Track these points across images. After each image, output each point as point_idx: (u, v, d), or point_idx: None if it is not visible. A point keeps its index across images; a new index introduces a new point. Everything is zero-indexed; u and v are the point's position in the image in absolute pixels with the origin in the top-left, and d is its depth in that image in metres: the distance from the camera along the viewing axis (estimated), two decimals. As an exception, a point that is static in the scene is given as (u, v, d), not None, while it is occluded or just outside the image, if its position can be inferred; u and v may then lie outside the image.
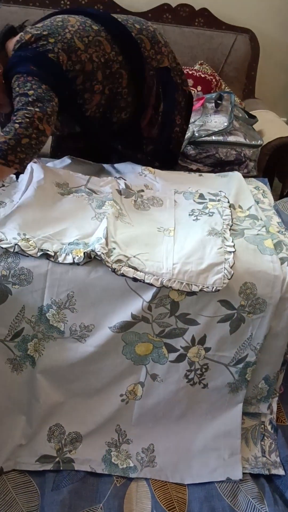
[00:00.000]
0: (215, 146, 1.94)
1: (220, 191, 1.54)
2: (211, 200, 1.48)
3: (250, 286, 1.22)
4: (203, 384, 1.30)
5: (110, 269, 1.15)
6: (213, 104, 2.06)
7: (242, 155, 1.95)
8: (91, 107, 1.51)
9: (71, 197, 1.41)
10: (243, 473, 1.28)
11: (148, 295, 1.19)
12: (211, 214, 1.40)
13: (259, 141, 2.01)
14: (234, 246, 1.27)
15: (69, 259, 1.17)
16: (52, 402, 1.27)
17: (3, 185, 1.43)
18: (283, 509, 1.21)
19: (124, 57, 1.50)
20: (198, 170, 1.89)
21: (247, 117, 2.13)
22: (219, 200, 1.48)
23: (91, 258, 1.17)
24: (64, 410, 1.28)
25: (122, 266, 1.16)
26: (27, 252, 1.17)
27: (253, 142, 1.99)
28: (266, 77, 2.91)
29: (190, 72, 2.52)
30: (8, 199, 1.37)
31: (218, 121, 1.99)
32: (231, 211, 1.42)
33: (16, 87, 1.35)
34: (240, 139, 1.97)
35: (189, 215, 1.42)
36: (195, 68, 2.59)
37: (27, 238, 1.20)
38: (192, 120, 1.98)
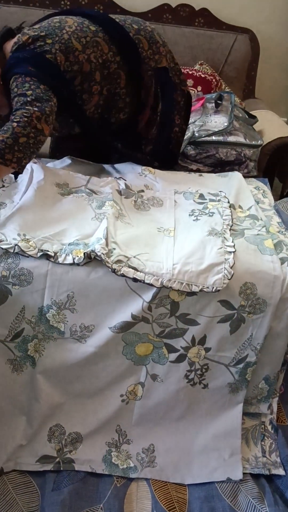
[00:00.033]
0: (215, 146, 1.94)
1: (220, 191, 1.54)
2: (211, 200, 1.48)
3: (250, 286, 1.22)
4: (203, 384, 1.30)
5: (110, 269, 1.15)
6: (213, 104, 2.06)
7: (242, 155, 1.95)
8: (89, 108, 1.51)
9: (71, 198, 1.41)
10: (244, 473, 1.28)
11: (148, 296, 1.19)
12: (211, 214, 1.40)
13: (259, 141, 2.01)
14: (234, 246, 1.27)
15: (69, 260, 1.17)
16: (53, 402, 1.27)
17: (3, 186, 1.43)
18: (283, 509, 1.21)
19: (122, 58, 1.50)
20: (198, 170, 1.89)
21: (247, 117, 2.13)
22: (219, 200, 1.48)
23: (91, 259, 1.17)
24: (65, 410, 1.28)
25: (122, 267, 1.16)
26: (27, 252, 1.17)
27: (253, 142, 1.99)
28: (266, 77, 2.91)
29: (190, 72, 2.52)
30: (8, 199, 1.37)
31: (218, 121, 1.99)
32: (231, 211, 1.42)
33: (14, 87, 1.35)
34: (240, 139, 1.97)
35: (189, 215, 1.42)
36: (195, 68, 2.59)
37: (27, 239, 1.20)
38: (192, 120, 1.98)
